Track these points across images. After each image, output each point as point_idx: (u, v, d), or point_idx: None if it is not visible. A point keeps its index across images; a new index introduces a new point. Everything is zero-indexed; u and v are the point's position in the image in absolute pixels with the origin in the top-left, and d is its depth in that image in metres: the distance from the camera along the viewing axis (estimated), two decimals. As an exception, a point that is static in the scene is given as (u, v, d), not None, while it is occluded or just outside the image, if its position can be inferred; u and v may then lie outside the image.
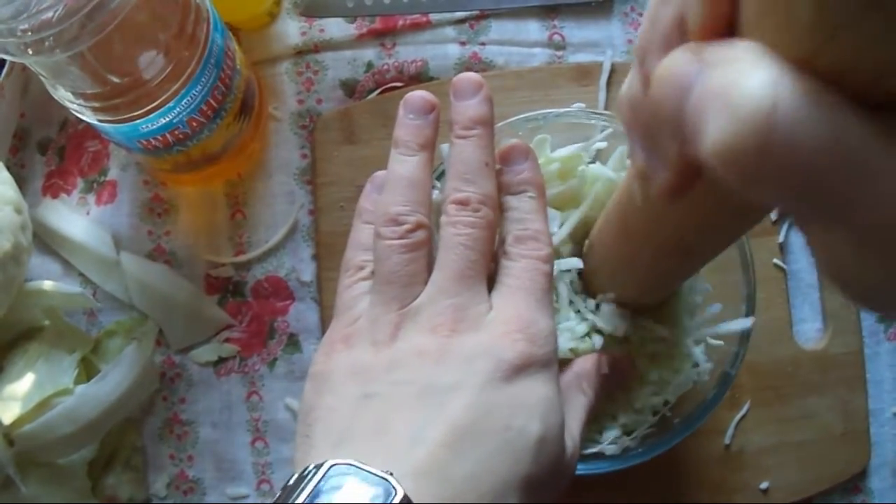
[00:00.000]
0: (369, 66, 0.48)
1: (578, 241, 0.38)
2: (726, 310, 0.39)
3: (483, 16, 0.48)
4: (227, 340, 0.47)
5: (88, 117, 0.37)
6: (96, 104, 0.36)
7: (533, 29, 0.48)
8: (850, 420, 0.46)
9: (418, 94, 0.34)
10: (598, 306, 0.37)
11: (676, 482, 0.45)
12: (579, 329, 0.37)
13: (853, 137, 0.15)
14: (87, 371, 0.44)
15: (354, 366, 0.30)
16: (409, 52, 0.48)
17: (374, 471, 0.25)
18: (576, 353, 0.36)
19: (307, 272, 0.47)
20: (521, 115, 0.40)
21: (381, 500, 0.24)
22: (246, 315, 0.47)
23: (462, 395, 0.28)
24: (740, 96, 0.15)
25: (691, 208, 0.26)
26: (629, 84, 0.23)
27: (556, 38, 0.48)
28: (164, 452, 0.46)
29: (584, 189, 0.39)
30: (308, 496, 0.25)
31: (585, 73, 0.47)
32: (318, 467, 0.26)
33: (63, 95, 0.36)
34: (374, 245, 0.32)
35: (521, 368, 0.29)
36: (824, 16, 0.14)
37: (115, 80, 0.35)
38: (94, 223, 0.47)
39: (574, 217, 0.37)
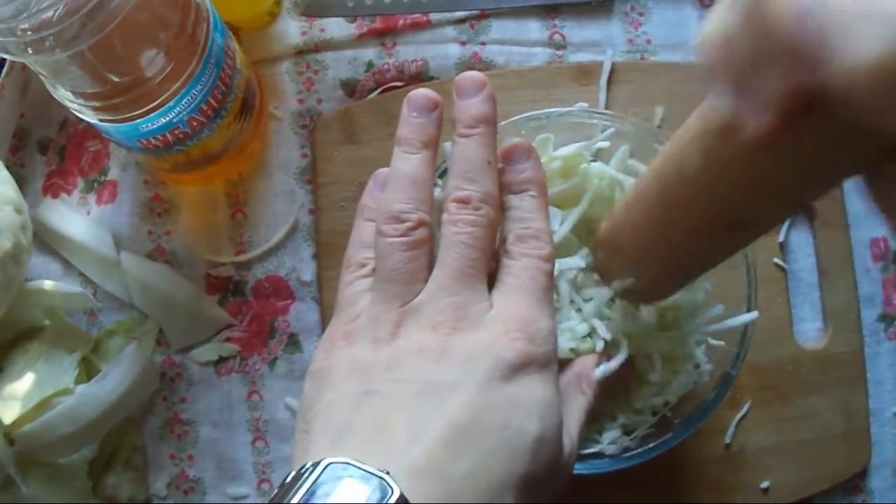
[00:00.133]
0: (370, 65, 0.48)
1: (581, 238, 0.38)
2: (727, 310, 0.39)
3: (483, 15, 0.48)
4: (227, 340, 0.47)
5: (88, 117, 0.37)
6: (96, 104, 0.36)
7: (533, 28, 0.48)
8: (851, 420, 0.46)
9: (422, 92, 0.34)
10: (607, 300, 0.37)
11: (677, 482, 0.45)
12: (580, 329, 0.37)
13: None
14: (88, 371, 0.44)
15: (354, 363, 0.30)
16: (409, 52, 0.48)
17: (370, 469, 0.25)
18: (576, 353, 0.36)
19: (307, 272, 0.47)
20: (524, 114, 0.40)
21: (377, 500, 0.24)
22: (246, 315, 0.47)
23: (461, 394, 0.28)
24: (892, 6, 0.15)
25: (769, 164, 0.25)
26: (720, 21, 0.22)
27: (557, 37, 0.48)
28: (164, 452, 0.46)
29: (586, 187, 0.39)
30: (304, 495, 0.25)
31: (586, 73, 0.47)
32: (315, 465, 0.25)
33: (63, 95, 0.36)
34: (375, 242, 0.32)
35: (520, 367, 0.29)
36: None
37: (116, 79, 0.35)
38: (94, 223, 0.47)
39: (574, 214, 0.37)
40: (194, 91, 0.38)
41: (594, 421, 0.38)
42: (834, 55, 0.16)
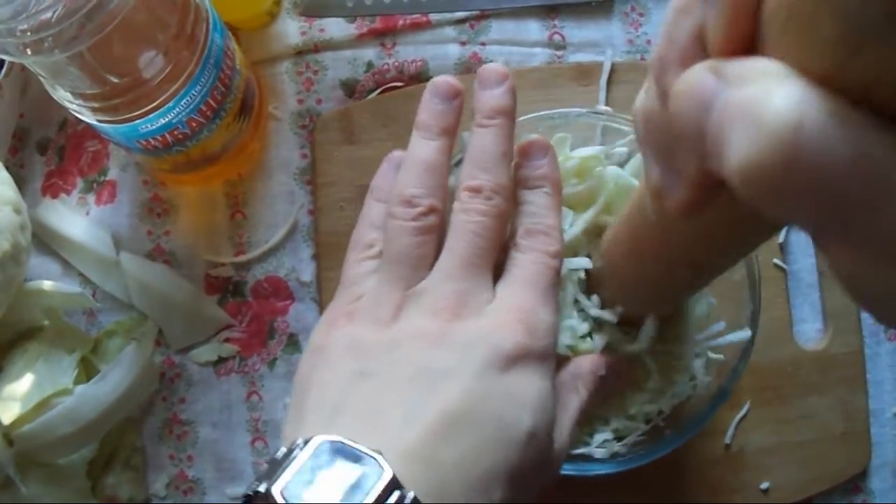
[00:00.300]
0: (369, 65, 0.48)
1: (591, 241, 0.38)
2: (729, 323, 0.39)
3: (483, 16, 0.48)
4: (226, 340, 0.47)
5: (88, 117, 0.37)
6: (95, 104, 0.36)
7: (533, 29, 0.48)
8: (851, 420, 0.46)
9: (445, 80, 0.34)
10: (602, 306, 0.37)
11: (676, 482, 0.45)
12: (581, 328, 0.36)
13: (877, 151, 0.15)
14: (87, 371, 0.44)
15: (354, 341, 0.30)
16: (409, 52, 0.48)
17: (363, 449, 0.25)
18: (574, 352, 0.36)
19: (307, 272, 0.47)
20: (542, 112, 0.40)
21: (369, 480, 0.24)
22: (246, 315, 0.47)
23: (457, 381, 0.28)
24: (766, 113, 0.15)
25: (705, 225, 0.26)
26: (644, 98, 0.23)
27: (557, 37, 0.48)
28: (163, 452, 0.46)
29: (600, 191, 0.39)
30: (294, 473, 0.24)
31: (585, 73, 0.47)
32: (306, 442, 0.25)
33: (62, 95, 0.36)
34: (385, 224, 0.32)
35: (517, 359, 0.29)
36: (849, 31, 0.14)
37: (115, 80, 0.35)
38: (93, 223, 0.47)
39: (587, 216, 0.37)
40: (193, 92, 0.38)
41: (587, 423, 0.38)
42: (719, 150, 0.17)
